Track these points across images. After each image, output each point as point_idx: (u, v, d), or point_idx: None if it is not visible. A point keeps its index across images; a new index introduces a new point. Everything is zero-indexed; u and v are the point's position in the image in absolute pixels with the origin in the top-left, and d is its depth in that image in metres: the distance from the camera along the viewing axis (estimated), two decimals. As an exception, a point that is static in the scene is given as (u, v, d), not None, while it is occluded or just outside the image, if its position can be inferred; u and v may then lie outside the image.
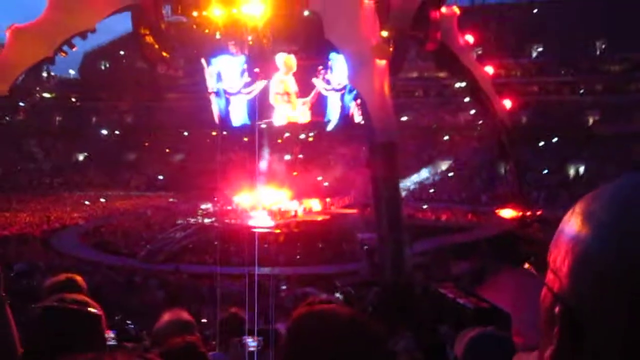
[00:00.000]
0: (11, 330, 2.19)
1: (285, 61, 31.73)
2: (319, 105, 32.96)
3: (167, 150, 64.70)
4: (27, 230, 39.64)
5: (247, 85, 31.56)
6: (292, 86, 32.62)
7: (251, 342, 3.08)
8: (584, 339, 0.71)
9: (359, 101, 29.46)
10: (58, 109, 68.73)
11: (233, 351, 3.22)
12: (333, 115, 33.16)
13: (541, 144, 53.97)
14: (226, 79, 32.05)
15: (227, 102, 32.64)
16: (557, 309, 0.76)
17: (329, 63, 31.73)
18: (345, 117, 33.09)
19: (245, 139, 43.89)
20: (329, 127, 34.83)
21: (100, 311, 2.11)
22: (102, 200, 51.00)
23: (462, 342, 2.51)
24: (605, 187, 0.79)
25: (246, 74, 31.50)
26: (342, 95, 32.58)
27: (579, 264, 0.74)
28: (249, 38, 29.64)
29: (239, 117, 32.68)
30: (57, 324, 1.98)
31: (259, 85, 31.62)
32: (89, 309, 2.06)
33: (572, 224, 0.78)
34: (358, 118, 32.23)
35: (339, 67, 30.62)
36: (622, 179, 0.78)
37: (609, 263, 0.69)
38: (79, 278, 3.74)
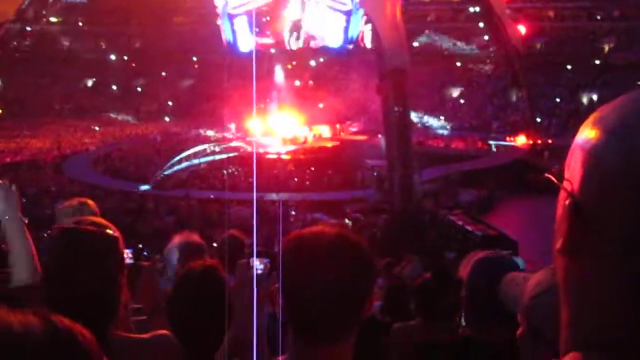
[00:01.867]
0: (32, 249, 2.22)
1: None
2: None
3: (176, 76, 64.31)
4: (38, 156, 39.90)
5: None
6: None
7: (258, 264, 3.11)
8: (589, 224, 0.82)
9: (370, 26, 28.99)
10: (65, 33, 68.00)
11: (240, 272, 3.25)
12: (336, 36, 32.69)
13: (554, 71, 53.18)
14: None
15: (232, 24, 32.25)
16: (567, 202, 0.86)
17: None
18: (354, 40, 32.68)
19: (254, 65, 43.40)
20: (331, 45, 34.31)
21: (118, 233, 2.13)
22: (96, 128, 50.96)
23: (467, 264, 2.53)
24: (617, 98, 0.88)
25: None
26: (348, 17, 32.07)
27: (588, 163, 0.85)
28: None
29: (245, 41, 32.34)
30: (75, 245, 2.00)
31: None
32: (107, 230, 2.07)
33: (585, 130, 0.90)
34: (369, 43, 31.79)
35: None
36: (633, 91, 0.86)
37: (614, 160, 0.80)
38: (91, 202, 3.75)
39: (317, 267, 1.47)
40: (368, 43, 31.56)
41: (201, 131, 47.96)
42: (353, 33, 32.44)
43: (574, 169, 0.89)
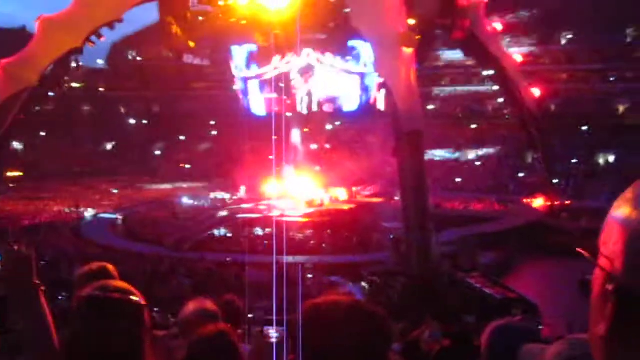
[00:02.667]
0: (48, 318, 2.19)
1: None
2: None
3: (194, 139, 65.13)
4: (57, 218, 40.19)
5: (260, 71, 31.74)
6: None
7: (273, 333, 3.07)
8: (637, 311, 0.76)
9: (383, 90, 29.43)
10: (86, 98, 69.43)
11: (255, 341, 3.22)
12: (351, 100, 33.11)
13: (570, 133, 53.28)
14: (242, 66, 32.31)
15: (246, 89, 32.96)
16: (610, 287, 0.80)
17: (354, 52, 31.69)
18: (368, 104, 33.08)
19: (276, 137, 43.97)
20: (347, 109, 34.69)
21: (143, 300, 2.10)
22: (114, 191, 51.39)
23: (486, 332, 2.49)
24: None
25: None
26: (363, 79, 32.55)
27: (631, 244, 0.78)
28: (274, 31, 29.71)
29: (257, 105, 33.00)
30: (102, 312, 1.98)
31: (270, 69, 31.73)
32: (132, 297, 2.06)
33: (622, 208, 0.83)
34: (382, 106, 32.19)
35: (364, 54, 30.56)
36: None
37: None
38: (110, 267, 3.73)
39: (334, 337, 1.47)
40: (382, 107, 31.90)
41: (218, 194, 48.23)
42: (368, 95, 32.85)
43: (613, 248, 0.83)
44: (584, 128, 54.85)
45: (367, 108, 33.50)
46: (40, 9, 28.96)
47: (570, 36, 61.83)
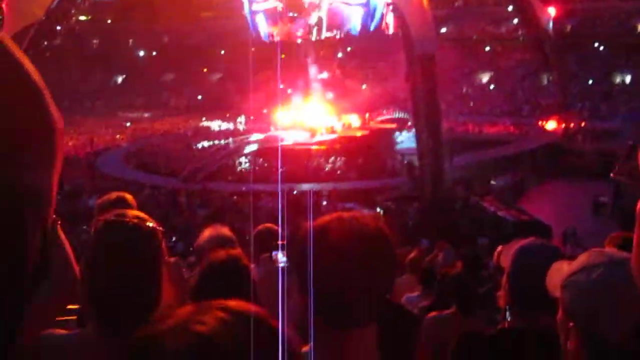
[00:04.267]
0: (67, 250, 2.23)
1: None
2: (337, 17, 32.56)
3: (204, 70, 64.69)
4: (71, 152, 40.48)
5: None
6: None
7: (281, 257, 3.10)
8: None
9: (391, 10, 28.90)
10: (94, 31, 68.73)
11: (263, 266, 3.26)
12: (357, 25, 32.64)
13: (586, 53, 52.27)
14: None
15: (252, 14, 32.55)
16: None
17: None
18: (377, 28, 32.56)
19: (283, 56, 43.50)
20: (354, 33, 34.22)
21: (160, 227, 2.13)
22: (127, 124, 51.43)
23: (509, 253, 2.49)
24: None
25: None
26: (366, 6, 31.97)
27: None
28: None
29: (264, 29, 32.67)
30: (118, 237, 2.01)
31: None
32: (149, 223, 2.09)
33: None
34: (392, 29, 31.66)
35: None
36: None
37: None
38: (129, 196, 3.79)
39: (336, 256, 1.48)
40: (392, 29, 31.32)
41: (230, 124, 48.32)
42: (373, 22, 32.26)
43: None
44: (600, 48, 53.77)
45: (376, 32, 32.96)
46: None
47: (587, -48, 59.91)
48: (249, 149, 35.85)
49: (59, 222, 2.33)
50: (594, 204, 24.81)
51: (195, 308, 0.86)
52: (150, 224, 2.07)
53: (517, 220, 20.43)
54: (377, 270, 1.52)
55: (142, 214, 2.16)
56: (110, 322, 1.91)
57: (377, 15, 32.19)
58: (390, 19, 31.26)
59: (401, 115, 36.85)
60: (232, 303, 0.89)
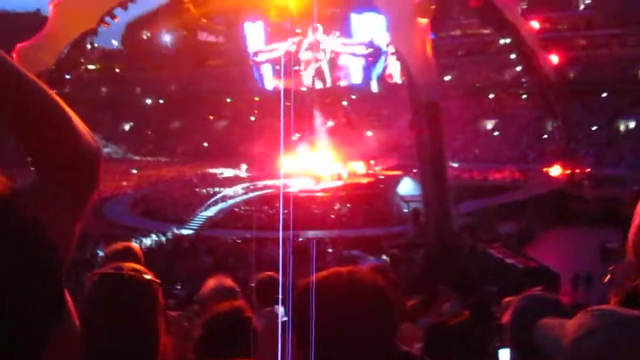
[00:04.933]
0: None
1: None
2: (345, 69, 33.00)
3: (211, 118, 65.25)
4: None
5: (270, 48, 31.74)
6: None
7: (282, 312, 3.05)
8: None
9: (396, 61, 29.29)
10: (103, 80, 69.71)
11: (265, 319, 3.23)
12: (358, 74, 33.05)
13: (589, 100, 52.61)
14: (254, 43, 32.32)
15: (257, 66, 33.07)
16: None
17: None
18: (381, 77, 32.98)
19: (288, 104, 43.86)
20: (355, 82, 34.56)
21: (158, 280, 2.13)
22: (134, 171, 51.59)
23: (509, 306, 2.48)
24: None
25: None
26: (373, 59, 32.42)
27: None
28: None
29: (269, 80, 33.09)
30: (113, 290, 2.00)
31: (282, 47, 31.71)
32: (145, 275, 2.08)
33: None
34: (398, 79, 32.03)
35: (357, 29, 30.45)
36: None
37: None
38: (136, 247, 3.82)
39: (333, 312, 1.47)
40: (397, 79, 31.73)
41: (236, 171, 48.52)
42: (376, 72, 32.71)
43: None
44: (604, 94, 54.12)
45: (381, 81, 33.36)
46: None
47: (588, 1, 60.79)
48: (255, 196, 35.89)
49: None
50: (601, 250, 24.62)
51: None
52: (147, 277, 2.06)
53: (525, 268, 20.28)
54: (375, 325, 1.51)
55: (139, 267, 2.16)
56: None
57: (380, 65, 32.64)
58: (394, 67, 31.68)
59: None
60: None
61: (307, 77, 33.33)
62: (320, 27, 31.57)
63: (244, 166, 47.67)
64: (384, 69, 32.44)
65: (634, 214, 1.53)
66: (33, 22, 39.67)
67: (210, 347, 2.39)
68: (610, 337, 1.42)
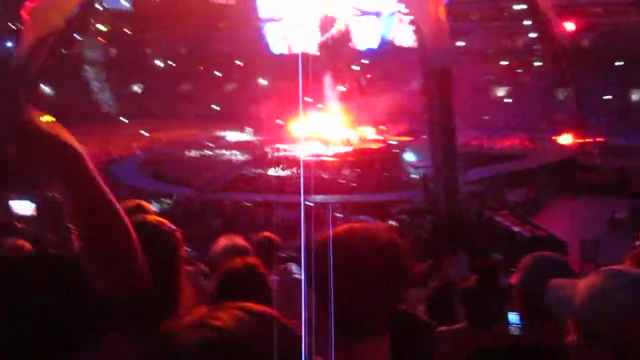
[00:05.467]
0: None
1: None
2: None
3: (221, 80, 65.02)
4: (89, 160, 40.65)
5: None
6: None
7: (296, 269, 3.10)
8: None
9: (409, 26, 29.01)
10: (112, 41, 69.34)
11: (282, 278, 3.26)
12: (372, 38, 32.69)
13: (603, 68, 52.02)
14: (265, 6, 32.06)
15: (262, 28, 32.86)
16: None
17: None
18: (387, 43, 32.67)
19: (299, 68, 43.48)
20: (368, 46, 34.20)
21: (179, 230, 2.16)
22: (144, 133, 51.50)
23: (519, 268, 2.49)
24: None
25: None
26: (383, 19, 32.04)
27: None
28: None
29: (276, 43, 32.90)
30: (140, 237, 2.03)
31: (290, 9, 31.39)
32: (170, 226, 2.12)
33: None
34: (407, 42, 31.77)
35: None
36: None
37: None
38: (147, 205, 3.82)
39: (347, 267, 1.48)
40: (410, 42, 31.38)
41: (245, 134, 48.54)
42: (387, 34, 32.32)
43: None
44: (618, 63, 53.49)
45: (391, 46, 33.03)
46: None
47: (605, -32, 59.73)
48: (264, 159, 35.92)
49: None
50: (610, 220, 24.60)
51: (213, 307, 0.89)
52: (171, 227, 2.10)
53: (532, 236, 20.28)
54: (388, 282, 1.52)
55: (161, 219, 2.19)
56: (133, 321, 1.93)
57: (392, 25, 32.28)
58: (405, 30, 31.35)
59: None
60: (249, 304, 0.91)
61: (315, 42, 33.00)
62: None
63: (249, 129, 47.69)
64: (395, 32, 32.09)
65: None
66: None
67: (227, 301, 2.42)
68: (623, 298, 1.42)
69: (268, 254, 4.04)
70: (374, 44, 32.75)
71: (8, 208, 22.91)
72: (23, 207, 22.75)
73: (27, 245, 4.28)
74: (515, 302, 2.48)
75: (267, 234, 4.54)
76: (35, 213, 21.53)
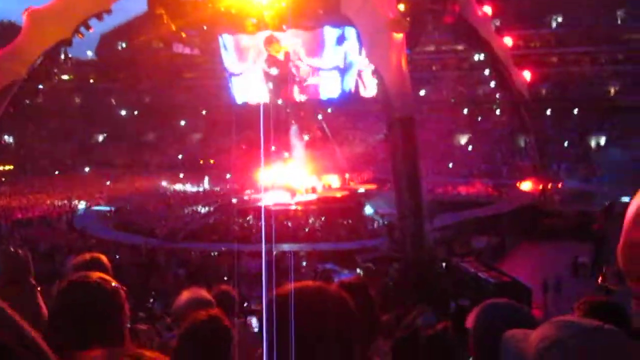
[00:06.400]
0: (44, 317, 2.22)
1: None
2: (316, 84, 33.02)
3: (185, 130, 65.01)
4: (49, 212, 40.08)
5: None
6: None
7: (255, 322, 3.07)
8: None
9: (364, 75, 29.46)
10: (76, 90, 69.11)
11: (239, 332, 3.22)
12: (332, 88, 33.07)
13: (561, 116, 53.38)
14: (230, 58, 32.36)
15: (229, 79, 33.05)
16: None
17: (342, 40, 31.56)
18: (349, 93, 33.05)
19: (264, 119, 43.72)
20: (328, 96, 34.53)
21: (123, 288, 2.14)
22: (107, 183, 51.08)
23: (473, 313, 2.50)
24: None
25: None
26: (342, 73, 32.44)
27: None
28: (265, 14, 29.42)
29: (240, 93, 33.14)
30: (79, 297, 2.01)
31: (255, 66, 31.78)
32: (111, 283, 2.09)
33: None
34: (366, 92, 32.23)
35: (331, 43, 30.72)
36: None
37: None
38: (103, 257, 3.79)
39: (300, 323, 1.48)
40: (372, 92, 31.83)
41: (210, 185, 48.33)
42: (348, 85, 32.72)
43: None
44: (575, 111, 54.97)
45: (354, 95, 33.42)
46: (29, 1, 28.71)
47: (560, 19, 61.82)
48: (229, 209, 35.73)
49: (38, 289, 2.33)
50: (573, 264, 24.94)
51: None
52: (113, 284, 2.08)
53: (497, 282, 20.39)
54: (340, 342, 1.51)
55: (105, 276, 2.17)
56: None
57: (352, 79, 32.72)
58: (367, 81, 31.83)
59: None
60: None
61: (277, 93, 33.23)
62: (289, 39, 31.52)
63: (213, 179, 47.66)
64: (357, 82, 32.51)
65: (623, 227, 1.54)
66: (8, 32, 39.30)
67: (189, 357, 2.38)
68: (574, 347, 1.42)
69: (226, 309, 4.00)
70: (335, 95, 33.06)
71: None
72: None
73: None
74: (470, 346, 2.48)
75: (224, 287, 4.50)
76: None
